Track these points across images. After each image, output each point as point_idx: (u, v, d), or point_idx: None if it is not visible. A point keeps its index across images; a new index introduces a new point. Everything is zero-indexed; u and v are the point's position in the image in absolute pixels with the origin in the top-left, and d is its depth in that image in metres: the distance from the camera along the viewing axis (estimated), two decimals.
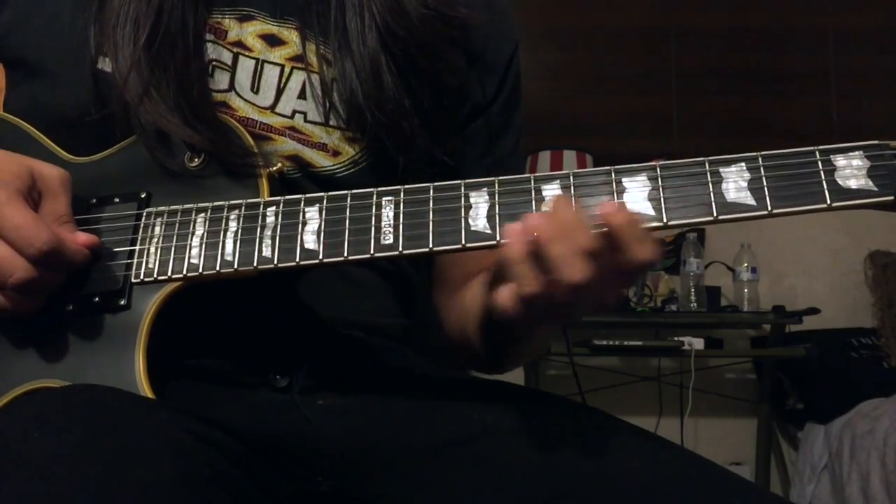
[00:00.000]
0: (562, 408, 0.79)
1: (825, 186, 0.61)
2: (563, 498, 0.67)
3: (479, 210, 0.66)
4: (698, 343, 2.76)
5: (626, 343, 2.74)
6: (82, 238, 0.70)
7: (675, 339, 2.78)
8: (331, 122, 0.80)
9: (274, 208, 0.70)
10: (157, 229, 0.72)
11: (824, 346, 2.86)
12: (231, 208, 0.71)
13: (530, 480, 0.69)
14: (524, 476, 0.69)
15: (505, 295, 0.64)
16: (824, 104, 3.34)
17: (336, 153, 0.80)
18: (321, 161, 0.80)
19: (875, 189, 0.61)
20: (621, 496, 0.66)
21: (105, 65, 0.78)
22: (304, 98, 0.81)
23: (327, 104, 0.80)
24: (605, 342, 2.72)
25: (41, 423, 0.55)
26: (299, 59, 0.81)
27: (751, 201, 0.62)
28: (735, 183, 0.63)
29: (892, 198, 0.60)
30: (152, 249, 0.71)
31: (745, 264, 2.99)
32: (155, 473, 0.52)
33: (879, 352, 3.01)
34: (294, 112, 0.80)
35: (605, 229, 0.60)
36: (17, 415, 0.58)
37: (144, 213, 0.73)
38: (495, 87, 0.91)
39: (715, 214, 0.62)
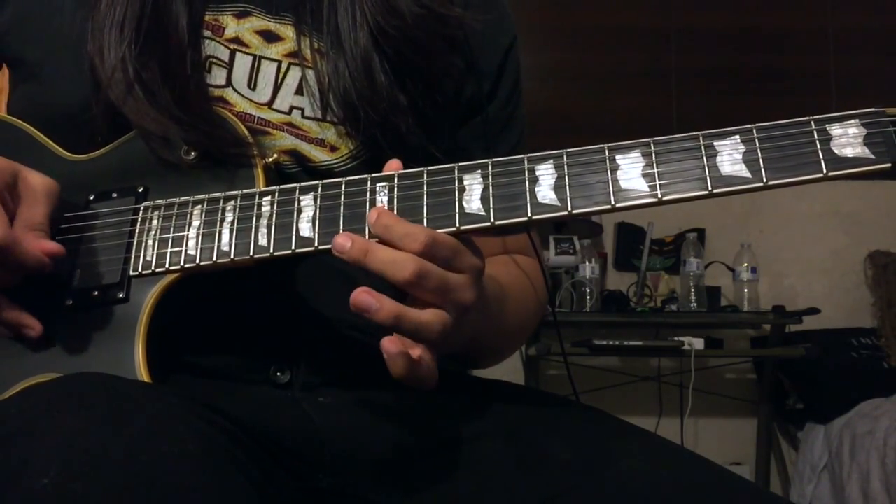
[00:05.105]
0: (562, 407, 0.79)
1: (821, 156, 0.60)
2: (562, 498, 0.67)
3: (472, 192, 0.66)
4: (698, 343, 2.76)
5: (626, 343, 2.74)
6: (47, 245, 0.68)
7: (675, 339, 2.78)
8: (328, 118, 0.80)
9: (269, 197, 0.70)
10: (155, 222, 0.72)
11: (824, 346, 2.86)
12: (227, 199, 0.71)
13: (530, 480, 0.69)
14: (524, 476, 0.69)
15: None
16: (824, 104, 3.33)
17: (334, 148, 0.80)
18: (320, 156, 0.80)
19: (872, 156, 0.60)
20: (621, 496, 0.66)
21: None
22: (302, 94, 0.80)
23: (324, 99, 0.79)
24: (604, 342, 2.72)
25: (62, 402, 0.55)
26: (296, 55, 0.81)
27: (746, 174, 0.61)
28: (730, 156, 0.62)
29: (889, 165, 0.59)
30: (150, 242, 0.72)
31: (745, 264, 2.99)
32: (181, 446, 0.52)
33: (879, 352, 3.01)
34: (291, 108, 0.80)
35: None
36: (29, 399, 0.58)
37: (142, 207, 0.74)
38: (492, 83, 0.90)
39: (710, 188, 0.61)
